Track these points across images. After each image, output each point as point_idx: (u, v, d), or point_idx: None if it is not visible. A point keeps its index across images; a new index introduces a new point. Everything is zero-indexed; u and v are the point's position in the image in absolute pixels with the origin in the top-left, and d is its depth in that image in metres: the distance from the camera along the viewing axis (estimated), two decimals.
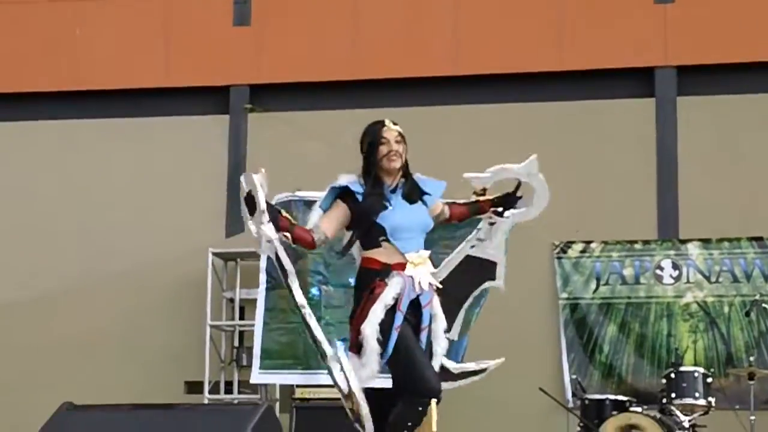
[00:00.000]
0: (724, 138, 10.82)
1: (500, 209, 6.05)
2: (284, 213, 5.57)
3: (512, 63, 11.10)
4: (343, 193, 5.62)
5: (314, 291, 7.95)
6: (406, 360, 5.46)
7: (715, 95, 10.90)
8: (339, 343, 5.65)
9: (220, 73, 11.58)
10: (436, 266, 5.81)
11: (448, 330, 5.85)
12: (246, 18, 11.67)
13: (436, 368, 5.64)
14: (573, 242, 10.76)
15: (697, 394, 8.96)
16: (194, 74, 11.61)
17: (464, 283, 6.30)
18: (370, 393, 5.67)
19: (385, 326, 5.46)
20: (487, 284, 6.48)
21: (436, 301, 5.70)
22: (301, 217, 6.21)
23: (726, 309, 10.49)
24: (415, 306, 5.59)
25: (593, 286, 10.72)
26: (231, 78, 11.59)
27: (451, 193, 5.98)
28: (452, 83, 11.24)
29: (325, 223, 5.59)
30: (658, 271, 10.66)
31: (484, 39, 11.20)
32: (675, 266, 10.64)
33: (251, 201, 5.48)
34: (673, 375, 9.04)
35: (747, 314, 9.78)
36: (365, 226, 5.58)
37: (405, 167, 5.69)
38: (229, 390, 10.88)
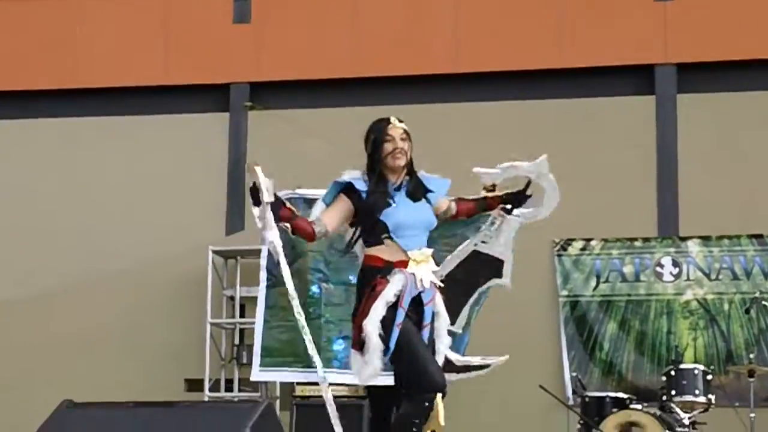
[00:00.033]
0: (724, 135, 10.82)
1: (508, 207, 6.04)
2: (288, 204, 5.53)
3: (512, 60, 11.10)
4: (347, 189, 5.61)
5: (314, 288, 7.95)
6: (409, 356, 5.45)
7: (714, 92, 10.90)
8: (321, 371, 5.64)
9: (220, 71, 11.58)
10: (437, 264, 5.80)
11: (452, 323, 5.84)
12: (246, 15, 11.67)
13: (440, 364, 5.62)
14: (573, 240, 10.77)
15: (697, 392, 8.96)
16: (194, 72, 11.61)
17: (471, 278, 6.29)
18: (372, 391, 5.67)
19: (387, 323, 5.46)
20: (493, 281, 6.48)
21: (439, 298, 5.68)
22: (302, 214, 6.20)
23: (726, 306, 10.50)
24: (417, 303, 5.58)
25: (593, 283, 10.73)
26: (231, 75, 11.59)
27: (453, 191, 5.98)
28: (452, 81, 11.24)
29: (327, 216, 5.58)
30: (658, 269, 10.67)
31: (484, 37, 11.20)
32: (675, 264, 10.64)
33: (256, 192, 5.45)
34: (673, 372, 9.05)
35: (747, 311, 9.80)
36: (368, 223, 5.58)
37: (410, 165, 5.69)
38: (229, 388, 10.89)
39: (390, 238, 5.55)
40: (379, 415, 5.75)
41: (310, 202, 5.68)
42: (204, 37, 11.65)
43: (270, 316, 7.99)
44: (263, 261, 8.11)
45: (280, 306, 8.03)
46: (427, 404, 5.41)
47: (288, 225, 5.51)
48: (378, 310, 5.46)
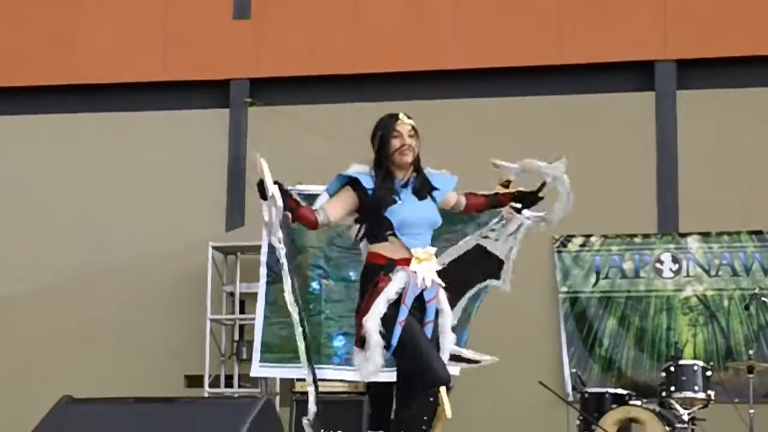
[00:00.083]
0: (723, 132, 10.82)
1: (518, 205, 6.04)
2: (294, 195, 5.49)
3: (512, 57, 11.10)
4: (353, 182, 5.61)
5: (315, 285, 7.96)
6: (412, 352, 5.45)
7: (714, 89, 10.90)
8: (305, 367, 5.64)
9: (220, 67, 11.57)
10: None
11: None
12: (246, 11, 11.67)
13: (445, 361, 5.61)
14: (573, 236, 10.77)
15: (696, 388, 8.97)
16: (194, 68, 11.61)
17: (471, 271, 6.30)
18: (373, 387, 5.68)
19: (388, 320, 5.45)
20: (490, 281, 6.49)
21: (443, 295, 5.67)
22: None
23: (725, 302, 10.50)
24: (420, 301, 5.58)
25: (593, 279, 10.73)
26: (231, 72, 11.59)
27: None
28: (452, 77, 11.24)
29: (331, 206, 5.56)
30: (657, 265, 10.67)
31: (484, 33, 11.20)
32: (675, 260, 10.65)
33: (262, 187, 5.43)
34: (672, 368, 9.06)
35: (746, 308, 9.81)
36: (373, 219, 5.57)
37: (416, 162, 5.68)
38: (229, 384, 10.89)
39: (394, 235, 5.54)
40: (379, 410, 5.76)
41: (310, 198, 5.66)
42: (204, 32, 11.64)
43: (270, 312, 8.00)
44: (263, 257, 8.12)
45: (280, 302, 8.04)
46: (431, 399, 5.42)
47: (289, 214, 5.48)
48: (379, 307, 5.46)
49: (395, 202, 5.55)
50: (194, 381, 10.88)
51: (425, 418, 5.44)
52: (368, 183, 5.56)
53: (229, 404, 7.61)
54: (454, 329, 5.77)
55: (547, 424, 10.03)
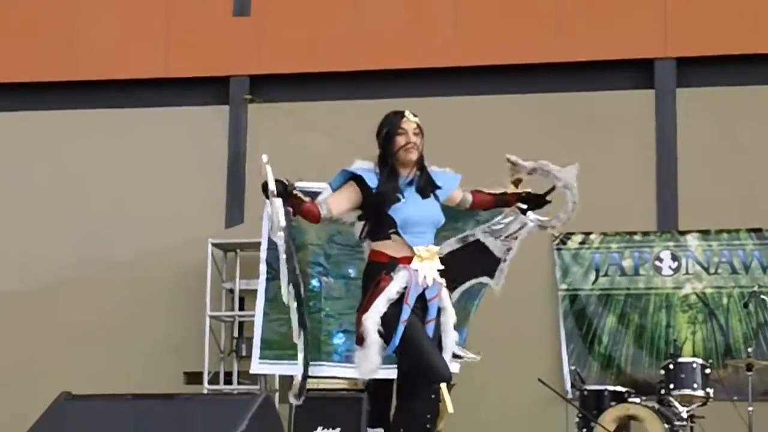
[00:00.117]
0: (723, 129, 10.82)
1: (524, 206, 6.05)
2: (297, 192, 5.47)
3: (512, 54, 11.10)
4: (357, 178, 5.60)
5: (314, 282, 7.95)
6: (414, 351, 5.45)
7: (714, 87, 10.90)
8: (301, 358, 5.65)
9: (220, 64, 11.57)
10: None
11: None
12: (246, 8, 11.67)
13: (447, 360, 5.60)
14: (572, 233, 10.77)
15: (695, 385, 8.98)
16: (194, 65, 11.60)
17: (467, 267, 6.30)
18: (372, 384, 5.68)
19: (388, 319, 5.45)
20: (483, 278, 6.49)
21: (445, 294, 5.67)
22: None
23: (725, 300, 10.51)
24: (421, 299, 5.57)
25: (592, 277, 10.74)
26: (231, 68, 11.59)
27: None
28: (452, 74, 11.24)
29: (334, 200, 5.55)
30: (657, 263, 10.67)
31: (484, 30, 11.19)
32: (674, 257, 10.65)
33: (266, 188, 5.41)
34: (671, 366, 9.06)
35: (745, 305, 9.81)
36: (376, 217, 5.56)
37: (421, 160, 5.68)
38: (228, 381, 10.89)
39: (397, 233, 5.54)
40: (378, 407, 5.77)
41: (310, 195, 5.66)
42: (204, 29, 11.64)
43: (269, 309, 7.99)
44: (263, 254, 8.10)
45: (280, 299, 8.04)
46: (434, 396, 5.42)
47: (291, 209, 5.46)
48: (379, 306, 5.46)
49: (399, 200, 5.55)
50: (193, 378, 10.87)
51: (428, 416, 5.44)
52: (372, 180, 5.56)
53: (227, 401, 7.60)
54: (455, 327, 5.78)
55: (546, 422, 10.03)
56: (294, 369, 8.24)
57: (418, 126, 5.65)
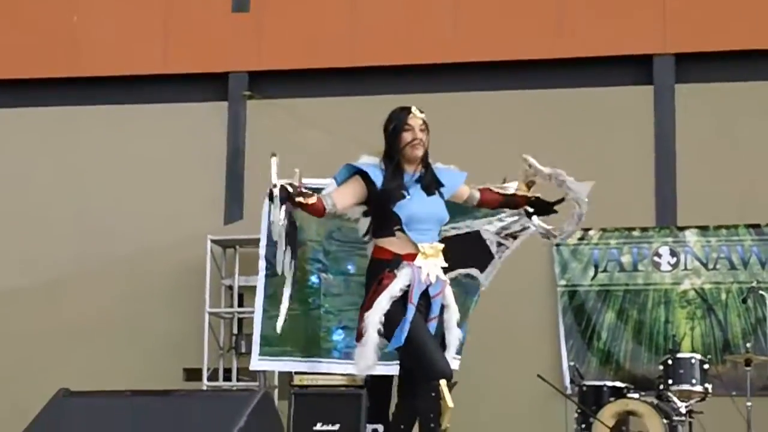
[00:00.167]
0: (722, 125, 10.82)
1: (531, 210, 6.04)
2: (303, 190, 5.44)
3: (511, 50, 11.10)
4: (362, 173, 5.59)
5: (314, 279, 7.96)
6: (417, 349, 5.43)
7: (713, 83, 10.90)
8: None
9: (219, 60, 11.56)
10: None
11: None
12: (245, 4, 11.66)
13: (449, 358, 5.59)
14: None
15: (694, 381, 8.98)
16: (193, 61, 11.60)
17: (459, 255, 6.29)
18: (371, 380, 5.67)
19: (391, 317, 5.44)
20: (472, 270, 6.49)
21: (449, 291, 5.66)
22: None
23: (723, 296, 10.51)
24: (425, 296, 5.56)
25: (591, 273, 10.74)
26: (230, 65, 11.58)
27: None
28: (452, 70, 11.23)
29: (338, 194, 5.53)
30: (656, 258, 10.68)
31: (483, 26, 11.19)
32: (673, 253, 10.66)
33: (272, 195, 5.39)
34: (670, 361, 9.06)
35: (744, 301, 9.82)
36: (381, 214, 5.55)
37: (425, 157, 5.67)
38: (227, 377, 10.90)
39: (402, 230, 5.53)
40: (377, 403, 5.76)
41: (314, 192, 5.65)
42: (203, 25, 11.63)
43: (269, 305, 8.00)
44: (262, 250, 8.12)
45: (279, 295, 8.05)
46: (434, 394, 5.41)
47: (290, 204, 5.42)
48: (381, 304, 5.44)
49: (404, 196, 5.53)
50: (193, 374, 10.88)
51: (431, 414, 5.44)
52: (377, 176, 5.54)
53: (226, 397, 7.62)
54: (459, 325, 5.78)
55: (545, 417, 10.04)
56: (293, 365, 8.28)
57: (424, 122, 5.65)
